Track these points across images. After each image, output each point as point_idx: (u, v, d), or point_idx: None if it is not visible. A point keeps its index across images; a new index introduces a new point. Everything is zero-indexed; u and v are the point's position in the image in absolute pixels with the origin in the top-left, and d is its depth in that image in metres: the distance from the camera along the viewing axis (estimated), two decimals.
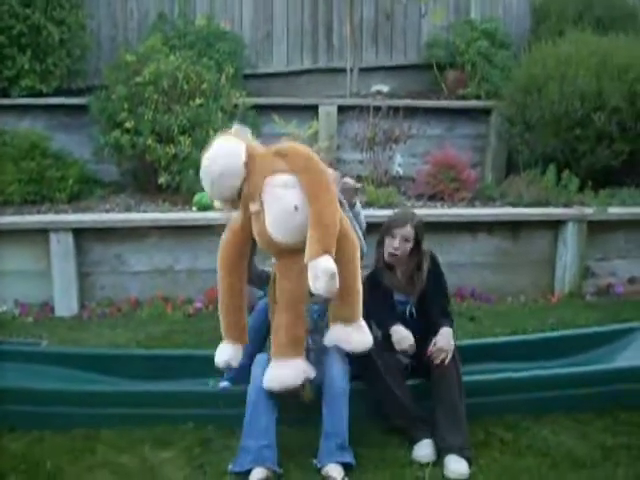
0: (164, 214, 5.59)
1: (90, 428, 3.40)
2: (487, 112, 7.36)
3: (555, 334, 4.42)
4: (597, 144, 6.27)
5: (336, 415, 3.12)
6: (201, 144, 5.84)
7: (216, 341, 3.29)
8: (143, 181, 6.21)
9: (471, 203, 6.18)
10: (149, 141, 5.82)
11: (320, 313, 3.34)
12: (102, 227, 5.32)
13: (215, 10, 7.73)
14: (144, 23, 7.59)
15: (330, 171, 3.17)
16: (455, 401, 3.26)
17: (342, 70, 7.64)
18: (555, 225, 5.74)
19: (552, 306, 5.49)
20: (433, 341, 3.40)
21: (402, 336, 3.37)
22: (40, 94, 6.69)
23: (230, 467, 3.06)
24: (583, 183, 6.19)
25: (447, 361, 3.33)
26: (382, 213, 5.15)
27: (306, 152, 3.06)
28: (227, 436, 3.34)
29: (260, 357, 3.30)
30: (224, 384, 3.62)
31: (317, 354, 3.30)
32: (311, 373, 3.14)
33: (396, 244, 3.51)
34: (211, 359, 3.26)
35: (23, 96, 6.62)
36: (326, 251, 2.86)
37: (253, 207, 3.02)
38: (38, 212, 5.66)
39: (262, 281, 3.35)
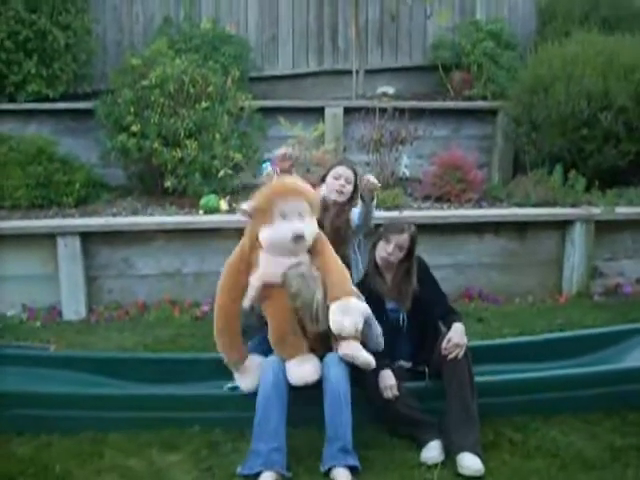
0: (171, 217, 5.59)
1: (98, 432, 3.41)
2: (493, 113, 7.32)
3: (563, 335, 4.42)
4: (604, 144, 6.25)
5: (337, 419, 3.12)
6: (207, 147, 5.90)
7: None
8: (150, 185, 6.22)
9: (478, 204, 6.16)
10: (155, 145, 5.83)
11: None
12: (109, 231, 5.33)
13: (220, 13, 7.74)
14: (150, 27, 7.60)
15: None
16: (467, 400, 3.27)
17: (348, 72, 7.64)
18: (562, 225, 5.72)
19: (560, 306, 5.48)
20: (447, 337, 3.40)
21: (386, 385, 3.34)
22: (46, 99, 6.70)
23: (239, 470, 3.07)
24: (590, 183, 6.18)
25: (460, 356, 3.33)
26: (388, 215, 5.20)
27: None
28: (235, 439, 3.34)
29: (269, 360, 3.31)
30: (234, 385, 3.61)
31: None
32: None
33: (390, 249, 3.52)
34: (219, 362, 3.26)
35: (29, 101, 6.63)
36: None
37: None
38: (45, 216, 5.67)
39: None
